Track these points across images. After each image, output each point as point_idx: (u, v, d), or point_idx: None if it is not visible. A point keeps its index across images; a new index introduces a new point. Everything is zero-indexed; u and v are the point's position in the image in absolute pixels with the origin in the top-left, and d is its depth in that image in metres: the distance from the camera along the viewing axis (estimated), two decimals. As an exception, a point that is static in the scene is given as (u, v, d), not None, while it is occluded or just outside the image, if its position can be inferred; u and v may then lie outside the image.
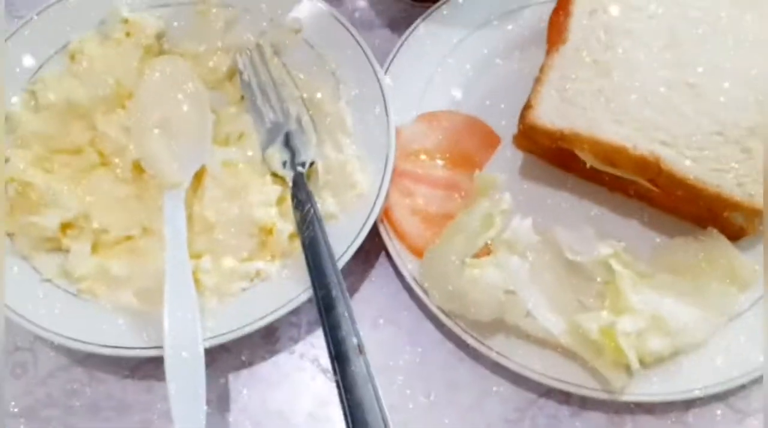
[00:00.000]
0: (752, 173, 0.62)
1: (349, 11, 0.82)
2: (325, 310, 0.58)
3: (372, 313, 0.67)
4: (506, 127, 0.73)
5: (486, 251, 0.62)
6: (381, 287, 0.68)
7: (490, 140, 0.73)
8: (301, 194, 0.64)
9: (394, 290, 0.68)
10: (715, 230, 0.65)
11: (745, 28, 0.69)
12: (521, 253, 0.61)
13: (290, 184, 0.66)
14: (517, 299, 0.59)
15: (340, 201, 0.66)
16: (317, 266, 0.60)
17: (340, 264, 0.62)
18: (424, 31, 0.76)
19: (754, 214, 0.62)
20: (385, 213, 0.67)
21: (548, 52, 0.72)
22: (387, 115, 0.70)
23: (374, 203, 0.65)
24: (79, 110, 0.68)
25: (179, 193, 0.65)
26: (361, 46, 0.73)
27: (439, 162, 0.71)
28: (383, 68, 0.74)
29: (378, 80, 0.71)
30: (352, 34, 0.73)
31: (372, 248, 0.68)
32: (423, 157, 0.70)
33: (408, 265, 0.65)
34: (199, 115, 0.69)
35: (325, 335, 0.57)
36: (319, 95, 0.72)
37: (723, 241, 0.64)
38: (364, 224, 0.64)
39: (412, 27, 0.76)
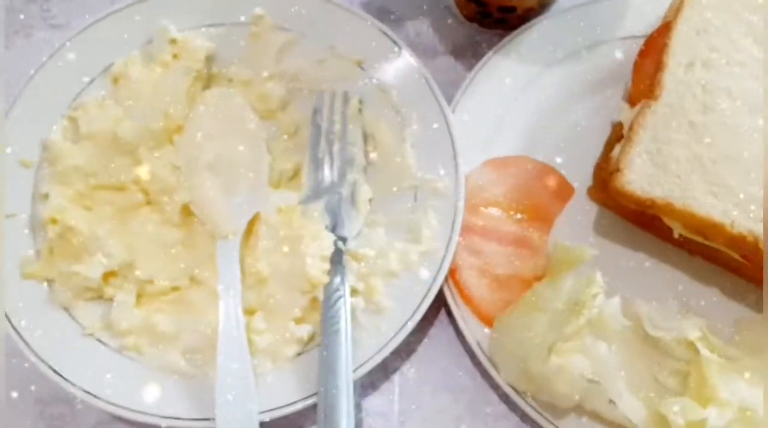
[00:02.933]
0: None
1: (410, 36, 0.76)
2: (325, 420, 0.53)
3: (430, 378, 0.63)
4: (580, 177, 0.68)
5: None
6: (440, 348, 0.64)
7: (562, 190, 0.68)
8: (336, 280, 0.59)
9: (455, 353, 0.63)
10: None
11: None
12: (608, 336, 0.56)
13: (330, 259, 0.60)
14: (600, 387, 0.55)
15: (403, 257, 0.61)
16: (330, 369, 0.54)
17: (401, 336, 0.58)
18: (495, 66, 0.70)
19: None
20: (451, 274, 0.62)
21: (631, 102, 0.66)
22: (455, 159, 0.64)
23: (441, 263, 0.60)
24: (123, 143, 0.63)
25: (233, 243, 0.60)
26: (427, 82, 0.67)
27: (509, 215, 0.65)
28: (450, 105, 0.68)
29: (446, 120, 0.65)
30: (418, 70, 0.67)
31: (433, 303, 0.62)
32: (490, 208, 0.65)
33: (475, 332, 0.60)
34: (256, 156, 0.64)
35: None
36: (383, 135, 0.67)
37: None
38: (430, 288, 0.59)
39: (482, 62, 0.70)
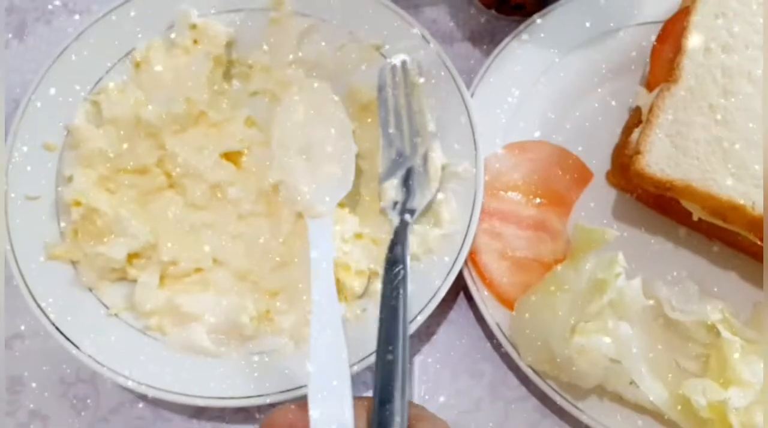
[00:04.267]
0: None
1: (427, 21, 0.76)
2: (381, 386, 0.52)
3: (450, 361, 0.63)
4: (598, 161, 0.68)
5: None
6: (460, 331, 0.64)
7: (582, 175, 0.68)
8: (397, 250, 0.59)
9: (475, 337, 0.64)
10: None
11: None
12: (629, 317, 0.57)
13: (392, 231, 0.61)
14: (622, 368, 0.55)
15: (423, 241, 0.61)
16: (388, 339, 0.54)
17: (423, 317, 0.58)
18: (513, 52, 0.70)
19: None
20: (471, 257, 0.62)
21: (649, 87, 0.66)
22: (475, 144, 0.64)
23: (461, 246, 0.61)
24: (147, 127, 0.64)
25: (326, 222, 0.60)
26: (447, 67, 0.67)
27: (528, 199, 0.66)
28: (469, 90, 0.68)
29: (465, 105, 0.65)
30: (438, 54, 0.67)
31: (452, 287, 0.63)
32: (510, 193, 0.66)
33: (495, 315, 0.61)
34: (345, 145, 0.64)
35: (374, 411, 0.52)
36: (424, 115, 0.66)
37: None
38: (450, 271, 0.60)
39: (500, 47, 0.71)
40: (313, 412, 0.51)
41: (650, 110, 0.63)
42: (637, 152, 0.61)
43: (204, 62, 0.67)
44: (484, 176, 0.64)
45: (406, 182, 0.63)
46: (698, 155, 0.60)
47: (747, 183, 0.59)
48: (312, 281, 0.57)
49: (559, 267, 0.60)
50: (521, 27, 0.72)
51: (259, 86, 0.69)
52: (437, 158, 0.63)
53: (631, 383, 0.56)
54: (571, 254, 0.60)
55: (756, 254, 0.63)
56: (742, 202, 0.58)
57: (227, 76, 0.70)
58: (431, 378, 0.62)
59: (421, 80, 0.66)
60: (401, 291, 0.56)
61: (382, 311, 0.56)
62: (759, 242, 0.61)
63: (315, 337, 0.54)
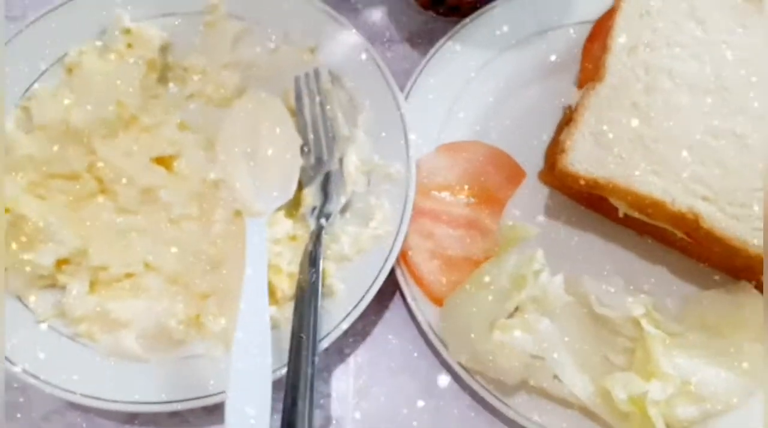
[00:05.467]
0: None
1: (366, 24, 0.77)
2: (291, 403, 0.54)
3: (386, 359, 0.63)
4: (531, 160, 0.69)
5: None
6: (396, 329, 0.65)
7: (514, 174, 0.69)
8: (311, 255, 0.60)
9: (409, 335, 0.64)
10: (747, 284, 0.61)
11: None
12: (551, 313, 0.57)
13: (310, 237, 0.62)
14: (545, 363, 0.56)
15: (356, 241, 0.62)
16: (296, 350, 0.56)
17: (351, 319, 0.59)
18: (448, 53, 0.71)
19: None
20: (403, 256, 0.63)
21: (580, 86, 0.67)
22: (407, 145, 0.65)
23: (392, 247, 0.61)
24: (76, 133, 0.64)
25: (261, 222, 0.61)
26: (380, 69, 0.67)
27: (461, 198, 0.66)
28: (403, 92, 0.69)
29: (398, 106, 0.66)
30: (371, 56, 0.68)
31: (387, 287, 0.63)
32: (443, 192, 0.66)
33: (426, 313, 0.61)
34: (290, 157, 0.65)
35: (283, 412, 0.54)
36: (337, 121, 0.67)
37: (755, 296, 0.61)
38: (380, 271, 0.60)
39: (435, 48, 0.71)
40: (230, 418, 0.52)
41: (575, 109, 0.64)
42: (562, 151, 0.62)
43: (137, 66, 0.67)
44: (415, 177, 0.64)
45: (325, 187, 0.64)
46: (621, 152, 0.61)
47: (668, 179, 0.60)
48: (244, 282, 0.57)
49: (484, 264, 0.60)
50: (456, 27, 0.72)
51: (195, 89, 0.69)
52: (351, 162, 0.65)
53: (554, 377, 0.57)
54: (496, 251, 0.61)
55: (685, 249, 0.64)
56: (662, 198, 0.59)
57: (163, 79, 0.70)
58: (367, 376, 0.63)
59: (350, 85, 0.68)
60: (312, 296, 0.57)
61: (293, 316, 0.57)
62: (686, 237, 0.62)
63: (239, 341, 0.55)
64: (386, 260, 0.61)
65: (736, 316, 0.60)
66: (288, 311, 0.59)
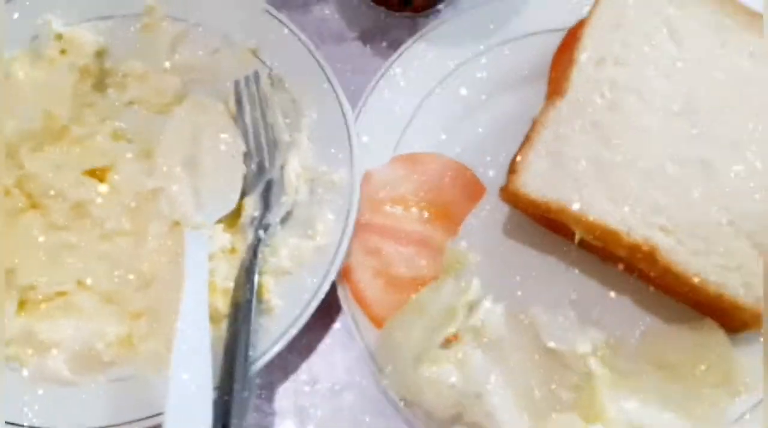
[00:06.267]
0: (763, 273, 0.54)
1: (316, 20, 0.73)
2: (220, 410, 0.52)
3: (330, 377, 0.61)
4: (494, 176, 0.64)
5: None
6: (343, 344, 0.62)
7: (473, 190, 0.64)
8: (248, 270, 0.57)
9: (357, 352, 0.61)
10: (711, 322, 0.57)
11: None
12: (488, 344, 0.54)
13: (247, 249, 0.59)
14: (478, 400, 0.52)
15: (296, 253, 0.59)
16: (228, 369, 0.54)
17: (288, 337, 0.56)
18: (410, 59, 0.66)
19: (759, 318, 0.54)
20: (345, 273, 0.59)
21: (549, 98, 0.62)
22: (352, 152, 0.62)
23: (333, 259, 0.58)
24: (3, 145, 0.61)
25: (202, 234, 0.59)
26: (324, 71, 0.64)
27: (413, 213, 0.62)
28: (362, 97, 0.65)
29: (342, 110, 0.63)
30: (315, 58, 0.64)
31: (334, 299, 0.61)
32: (395, 207, 0.62)
33: (365, 335, 0.58)
34: (232, 165, 0.63)
35: None
36: (278, 126, 0.64)
37: (719, 335, 0.56)
38: (320, 285, 0.57)
39: (396, 54, 0.66)
40: None
41: (533, 126, 0.59)
42: (514, 171, 0.58)
43: (69, 73, 0.64)
44: (360, 185, 0.61)
45: (266, 196, 0.61)
46: (577, 175, 0.57)
47: (625, 207, 0.56)
48: (183, 299, 0.55)
49: (424, 289, 0.57)
50: (423, 31, 0.67)
51: (135, 96, 0.66)
52: (293, 169, 0.62)
53: (487, 415, 0.53)
54: (440, 275, 0.57)
55: (650, 279, 0.59)
56: (617, 227, 0.55)
57: (101, 86, 0.67)
58: (312, 393, 0.60)
59: (292, 88, 0.64)
60: (246, 314, 0.55)
61: (227, 335, 0.55)
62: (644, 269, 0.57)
63: (177, 362, 0.53)
64: (327, 274, 0.58)
65: (698, 357, 0.56)
66: (224, 330, 0.57)
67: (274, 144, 0.63)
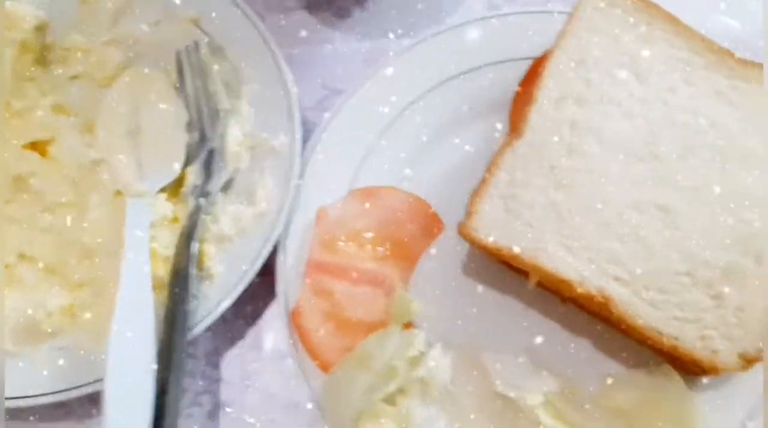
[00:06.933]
0: (720, 325, 0.52)
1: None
2: (161, 391, 0.52)
3: (275, 342, 0.61)
4: (454, 211, 0.60)
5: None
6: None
7: (431, 225, 0.61)
8: (186, 237, 0.58)
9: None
10: (669, 368, 0.55)
11: (740, 143, 0.56)
12: (437, 395, 0.53)
13: (187, 217, 0.59)
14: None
15: (237, 221, 0.59)
16: (167, 336, 0.54)
17: (226, 303, 0.57)
18: (368, 90, 0.63)
19: (708, 373, 0.53)
20: (294, 317, 0.57)
21: (504, 141, 0.59)
22: (293, 117, 0.61)
23: (274, 225, 0.58)
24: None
25: (144, 203, 0.59)
26: (264, 38, 0.63)
27: (368, 250, 0.59)
28: (317, 133, 0.62)
29: (282, 76, 0.62)
30: (255, 25, 0.64)
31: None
32: (349, 244, 0.59)
33: (312, 382, 0.56)
34: (176, 134, 0.63)
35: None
36: (219, 94, 0.64)
37: (677, 382, 0.54)
38: (261, 251, 0.58)
39: (355, 85, 0.63)
40: (109, 410, 0.50)
41: (489, 168, 0.57)
42: (468, 213, 0.56)
43: (7, 48, 0.64)
44: (301, 151, 0.61)
45: (208, 164, 0.62)
46: (531, 221, 0.55)
47: (579, 256, 0.54)
48: (123, 268, 0.56)
49: (370, 337, 0.55)
50: (381, 63, 0.64)
51: (78, 70, 0.66)
52: (233, 137, 0.62)
53: None
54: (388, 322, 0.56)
55: (609, 322, 0.56)
56: (570, 277, 0.54)
57: (43, 61, 0.67)
58: (255, 360, 0.61)
59: (233, 56, 0.64)
60: (184, 280, 0.55)
61: (166, 302, 0.55)
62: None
63: (118, 330, 0.53)
64: (267, 240, 0.58)
65: (655, 404, 0.54)
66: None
67: (215, 113, 0.63)
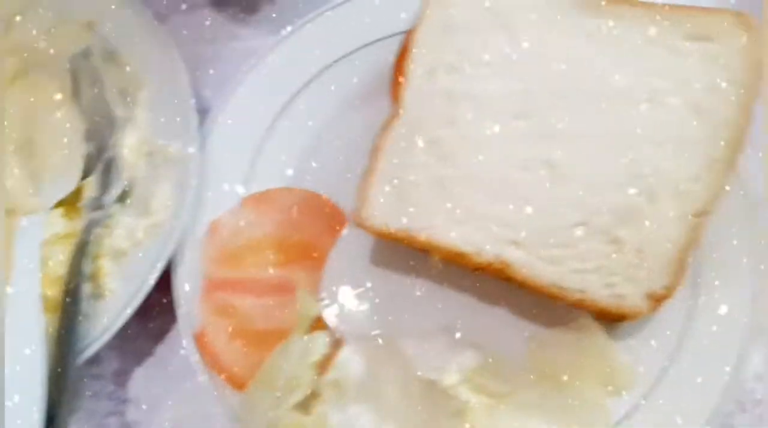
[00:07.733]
0: (622, 269, 0.51)
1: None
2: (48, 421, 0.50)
3: (183, 360, 0.57)
4: (354, 202, 0.57)
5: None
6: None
7: (334, 220, 0.59)
8: (80, 254, 0.55)
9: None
10: (589, 320, 0.53)
11: (615, 84, 0.53)
12: (353, 397, 0.51)
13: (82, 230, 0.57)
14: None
15: (131, 233, 0.56)
16: (58, 360, 0.52)
17: (120, 321, 0.54)
18: (251, 86, 0.60)
19: (625, 318, 0.51)
20: (199, 339, 0.54)
21: (384, 123, 0.57)
22: (189, 121, 0.58)
23: (170, 234, 0.55)
24: None
25: (37, 220, 0.57)
26: (159, 38, 0.60)
27: (269, 257, 0.56)
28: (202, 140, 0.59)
29: (180, 79, 0.59)
30: (152, 25, 0.61)
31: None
32: (245, 255, 0.56)
33: (227, 403, 0.53)
34: (70, 145, 0.60)
35: None
36: (114, 101, 0.61)
37: (597, 333, 0.53)
38: (156, 263, 0.55)
39: (235, 83, 0.61)
40: None
41: (371, 153, 0.55)
42: (358, 203, 0.54)
43: None
44: (199, 154, 0.58)
45: (106, 175, 0.59)
46: (420, 200, 0.53)
47: (471, 226, 0.52)
48: (11, 291, 0.53)
49: (273, 352, 0.52)
50: (253, 61, 0.61)
51: (-28, 80, 0.64)
52: (127, 146, 0.59)
53: None
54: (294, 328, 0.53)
55: (523, 285, 0.54)
56: (465, 249, 0.52)
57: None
58: (161, 379, 0.58)
59: (129, 60, 0.61)
60: (72, 300, 0.53)
61: (58, 324, 0.53)
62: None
63: (7, 356, 0.51)
64: (162, 252, 0.55)
65: (578, 360, 0.53)
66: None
67: (111, 121, 0.60)
